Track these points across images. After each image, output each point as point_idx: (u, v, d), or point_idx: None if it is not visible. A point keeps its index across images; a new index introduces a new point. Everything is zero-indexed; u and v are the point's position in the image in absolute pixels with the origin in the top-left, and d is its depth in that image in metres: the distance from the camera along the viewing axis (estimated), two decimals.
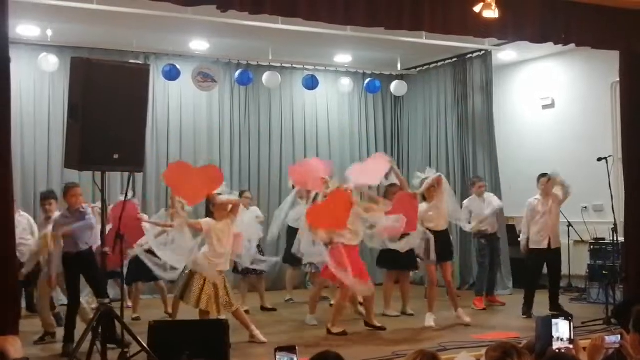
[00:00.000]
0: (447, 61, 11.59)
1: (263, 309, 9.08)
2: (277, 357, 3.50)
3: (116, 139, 5.50)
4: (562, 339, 4.00)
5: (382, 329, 7.74)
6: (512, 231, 10.76)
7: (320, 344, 6.78)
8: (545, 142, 10.99)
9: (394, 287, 8.85)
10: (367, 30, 7.65)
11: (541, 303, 8.50)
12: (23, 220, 7.84)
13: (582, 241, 9.98)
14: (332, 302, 8.74)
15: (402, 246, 7.86)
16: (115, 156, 5.53)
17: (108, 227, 6.09)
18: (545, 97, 11.23)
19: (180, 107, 10.93)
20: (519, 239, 9.23)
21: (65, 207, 7.08)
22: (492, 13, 6.16)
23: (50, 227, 7.07)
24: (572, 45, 8.02)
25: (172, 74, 10.26)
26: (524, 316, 8.43)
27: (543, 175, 8.72)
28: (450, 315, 8.19)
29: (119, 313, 5.80)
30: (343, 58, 11.54)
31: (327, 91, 11.87)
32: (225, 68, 11.13)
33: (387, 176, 8.14)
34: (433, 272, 8.13)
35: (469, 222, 9.35)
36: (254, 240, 7.72)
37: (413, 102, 12.35)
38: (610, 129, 10.05)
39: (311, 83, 11.20)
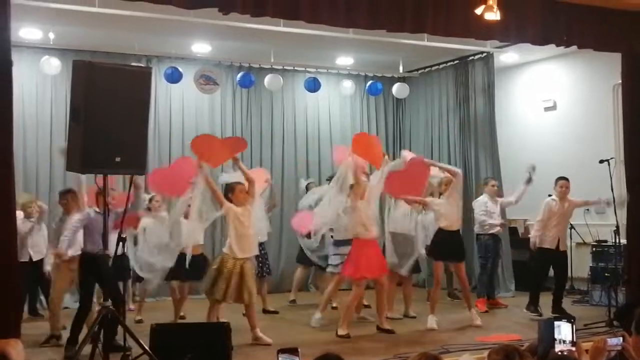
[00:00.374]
0: (448, 63, 11.58)
1: (265, 311, 9.05)
2: (280, 358, 3.51)
3: (118, 141, 5.49)
4: (564, 342, 4.01)
5: (391, 332, 7.70)
6: (514, 233, 10.76)
7: (322, 346, 6.75)
8: (547, 144, 10.97)
9: (396, 289, 8.84)
10: (369, 32, 7.64)
11: (544, 305, 8.48)
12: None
13: (585, 243, 9.97)
14: (334, 305, 8.74)
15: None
16: (117, 159, 5.51)
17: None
18: (547, 99, 11.22)
19: (182, 110, 10.92)
20: (520, 238, 9.19)
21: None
22: (493, 15, 6.15)
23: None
24: (574, 47, 8.01)
25: (174, 77, 10.25)
26: (534, 314, 8.31)
27: (562, 178, 8.63)
28: (452, 318, 8.20)
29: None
30: (345, 60, 11.54)
31: (329, 94, 11.85)
32: (227, 71, 11.13)
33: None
34: (440, 272, 8.16)
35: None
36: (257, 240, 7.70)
37: (415, 104, 12.34)
38: (612, 131, 10.05)
39: (313, 85, 11.18)
